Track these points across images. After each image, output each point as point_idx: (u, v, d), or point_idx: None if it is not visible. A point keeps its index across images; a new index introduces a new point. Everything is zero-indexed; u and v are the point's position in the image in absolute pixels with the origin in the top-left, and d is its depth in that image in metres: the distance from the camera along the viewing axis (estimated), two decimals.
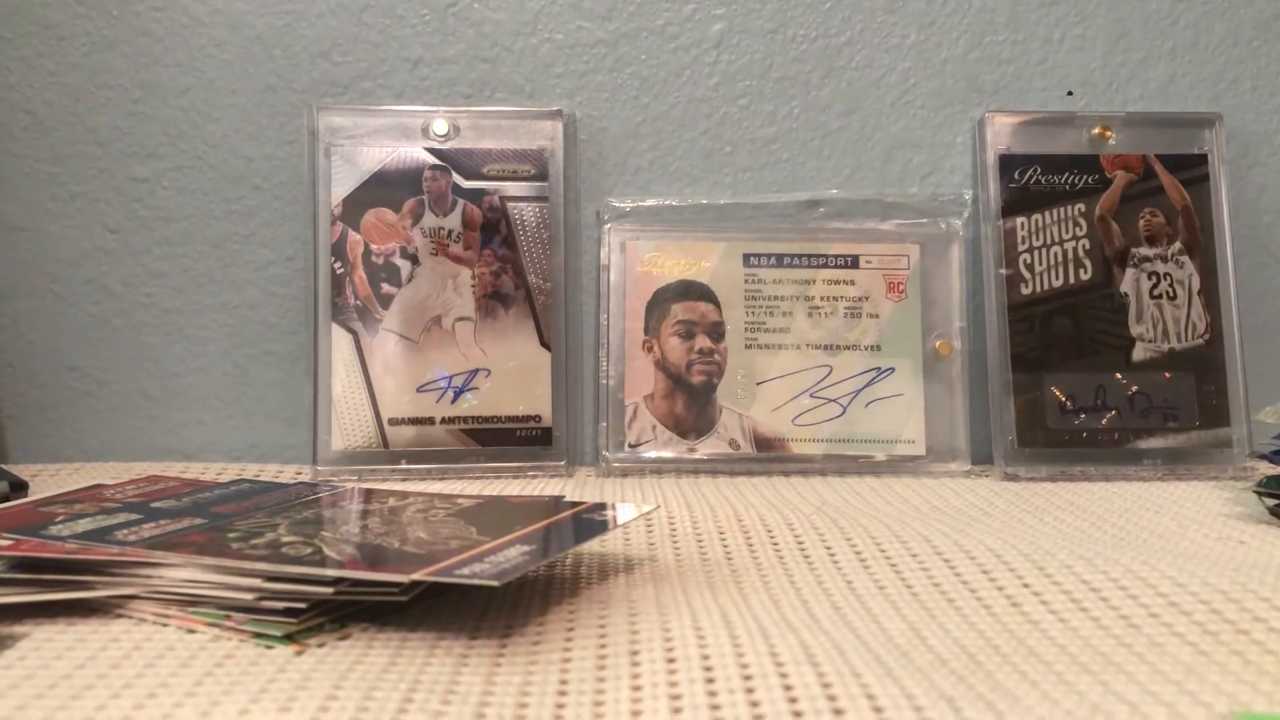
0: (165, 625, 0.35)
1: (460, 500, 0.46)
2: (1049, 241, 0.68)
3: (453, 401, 0.68)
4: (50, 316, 0.71)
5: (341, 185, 0.68)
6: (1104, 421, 0.66)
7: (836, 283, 0.70)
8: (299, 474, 0.67)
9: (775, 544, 0.47)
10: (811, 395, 0.69)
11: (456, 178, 0.69)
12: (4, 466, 0.62)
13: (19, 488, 0.57)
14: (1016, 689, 0.29)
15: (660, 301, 0.70)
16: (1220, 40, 0.74)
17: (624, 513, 0.44)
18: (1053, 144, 0.70)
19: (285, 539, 0.39)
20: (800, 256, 0.70)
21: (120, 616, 0.36)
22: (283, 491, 0.48)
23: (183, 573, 0.36)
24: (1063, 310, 0.68)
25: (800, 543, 0.47)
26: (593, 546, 0.46)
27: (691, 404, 0.69)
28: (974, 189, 0.72)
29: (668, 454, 0.68)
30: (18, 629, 0.35)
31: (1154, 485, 0.62)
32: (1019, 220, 0.69)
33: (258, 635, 0.34)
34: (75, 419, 0.72)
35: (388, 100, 0.72)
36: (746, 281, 0.70)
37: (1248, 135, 0.74)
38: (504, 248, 0.69)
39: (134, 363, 0.71)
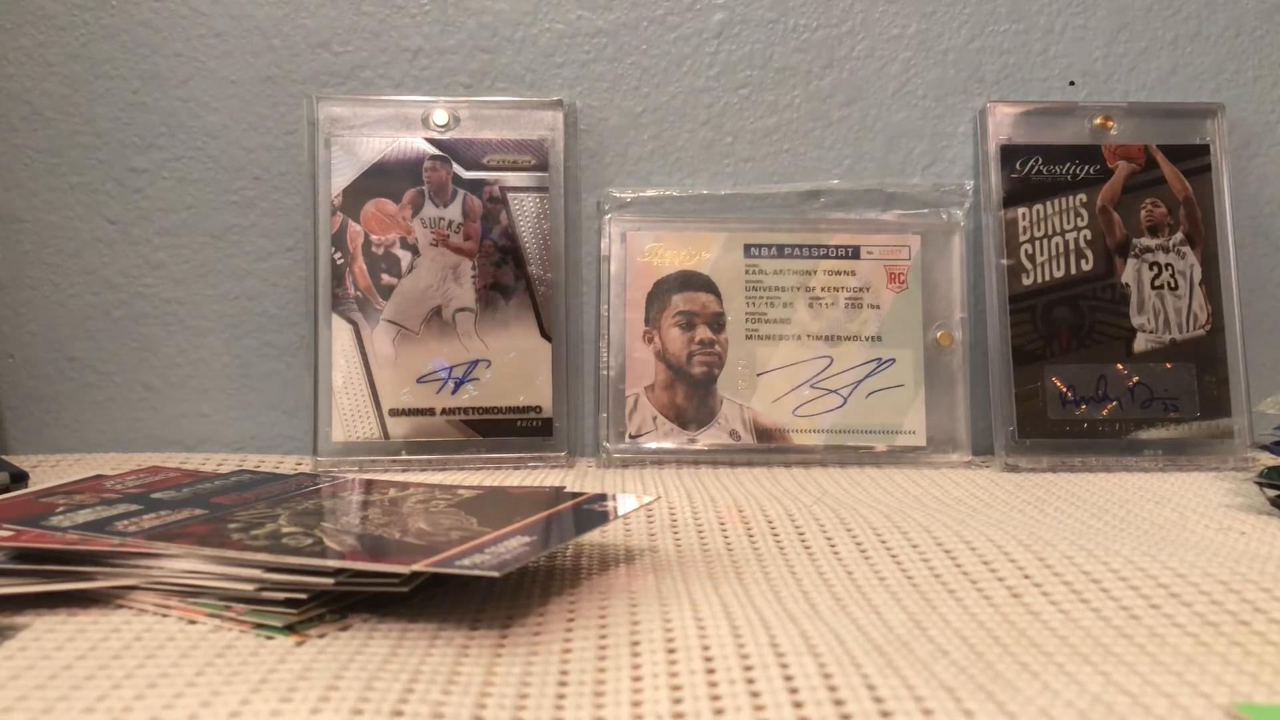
0: (166, 616, 0.35)
1: (461, 491, 0.46)
2: (1050, 232, 0.68)
3: (453, 392, 0.68)
4: (50, 307, 0.71)
5: (341, 176, 0.68)
6: (1105, 412, 0.66)
7: (837, 273, 0.70)
8: (299, 465, 0.67)
9: (776, 535, 0.47)
10: (812, 386, 0.69)
11: (457, 168, 0.69)
12: (4, 457, 0.62)
13: (19, 479, 0.57)
14: (1017, 679, 0.29)
15: (661, 292, 0.69)
16: (1222, 30, 0.74)
17: (624, 504, 0.44)
18: (1054, 134, 0.70)
19: (286, 530, 0.39)
20: (801, 247, 0.70)
21: (121, 607, 0.36)
22: (283, 483, 0.48)
23: (183, 564, 0.36)
24: (1064, 301, 0.68)
25: (801, 533, 0.47)
26: (593, 537, 0.46)
27: (692, 395, 0.68)
28: (975, 179, 0.72)
29: (668, 445, 0.68)
30: (19, 619, 0.35)
31: (1155, 476, 0.62)
32: (1020, 211, 0.69)
33: (258, 626, 0.34)
34: (75, 410, 0.72)
35: (388, 90, 0.71)
36: (747, 272, 0.70)
37: (1250, 126, 0.74)
38: (504, 238, 0.69)
39: (134, 354, 0.71)
